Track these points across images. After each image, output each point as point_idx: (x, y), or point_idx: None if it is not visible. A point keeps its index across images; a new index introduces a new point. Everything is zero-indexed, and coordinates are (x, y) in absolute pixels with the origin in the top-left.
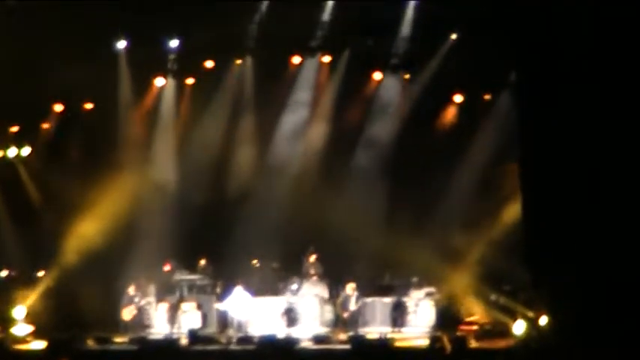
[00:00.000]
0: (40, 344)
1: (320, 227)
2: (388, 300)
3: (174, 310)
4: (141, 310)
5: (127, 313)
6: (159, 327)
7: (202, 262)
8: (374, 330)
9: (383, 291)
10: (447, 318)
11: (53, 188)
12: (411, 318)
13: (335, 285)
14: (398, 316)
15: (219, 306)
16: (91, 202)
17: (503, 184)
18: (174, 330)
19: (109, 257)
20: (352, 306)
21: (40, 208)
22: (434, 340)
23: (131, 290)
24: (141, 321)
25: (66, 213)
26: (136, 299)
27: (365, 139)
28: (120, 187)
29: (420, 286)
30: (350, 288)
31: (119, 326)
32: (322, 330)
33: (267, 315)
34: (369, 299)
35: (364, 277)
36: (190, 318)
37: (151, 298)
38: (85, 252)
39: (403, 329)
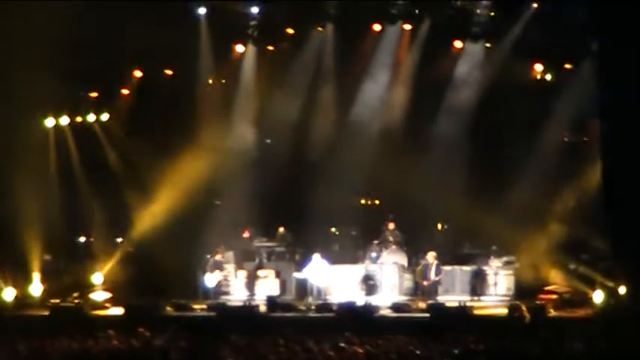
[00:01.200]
0: (117, 310)
1: (400, 195)
2: (468, 268)
3: (252, 277)
4: (223, 277)
5: (212, 279)
6: (237, 294)
7: (281, 229)
8: (453, 298)
9: (462, 259)
10: (526, 287)
11: (132, 154)
12: (490, 286)
13: (414, 253)
14: (477, 284)
15: (297, 274)
16: (170, 170)
17: (582, 152)
18: (253, 297)
19: (188, 224)
20: (432, 275)
21: (118, 174)
22: (513, 308)
23: (218, 256)
24: (222, 287)
25: (145, 180)
26: (223, 265)
27: (446, 106)
28: (199, 155)
29: (499, 254)
30: (431, 256)
31: (198, 293)
32: (401, 298)
33: (346, 283)
34: (448, 267)
35: (444, 245)
36: (269, 285)
37: (230, 265)
38: (164, 219)
39: (482, 298)
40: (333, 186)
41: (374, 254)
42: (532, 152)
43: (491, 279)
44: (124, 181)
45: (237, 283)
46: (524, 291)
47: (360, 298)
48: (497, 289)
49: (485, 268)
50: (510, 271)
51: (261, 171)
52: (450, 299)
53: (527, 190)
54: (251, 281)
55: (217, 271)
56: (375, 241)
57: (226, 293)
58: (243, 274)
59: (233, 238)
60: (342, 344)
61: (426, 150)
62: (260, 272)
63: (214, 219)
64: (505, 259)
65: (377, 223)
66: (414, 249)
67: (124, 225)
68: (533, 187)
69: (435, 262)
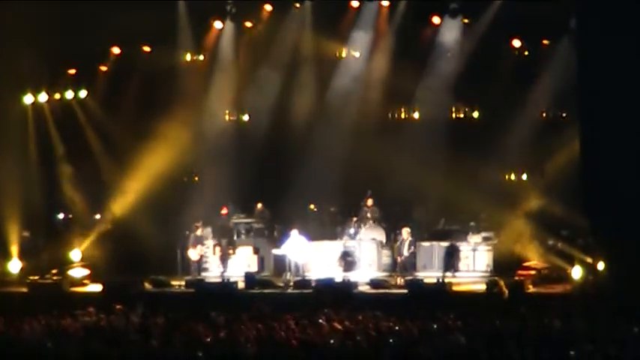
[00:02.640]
0: (96, 287)
1: (378, 172)
2: (445, 244)
3: (230, 253)
4: (204, 253)
5: (194, 254)
6: (216, 270)
7: (259, 206)
8: (432, 275)
9: (441, 236)
10: (505, 263)
11: (111, 131)
12: (466, 262)
13: (393, 230)
14: (451, 260)
15: (276, 251)
16: (149, 147)
17: (561, 128)
18: (230, 273)
19: (166, 201)
20: (405, 250)
21: (97, 151)
22: (491, 285)
23: (199, 231)
24: (203, 263)
25: (123, 157)
26: (205, 241)
27: (424, 83)
28: (178, 132)
29: (477, 231)
30: (405, 232)
31: (177, 269)
32: (380, 274)
33: (325, 259)
34: (426, 244)
35: (422, 222)
36: (247, 262)
37: (210, 241)
38: (142, 196)
39: (457, 274)
40: (312, 163)
41: (352, 230)
42: (510, 128)
43: (467, 255)
44: (102, 157)
45: (216, 259)
46: (503, 267)
47: (338, 275)
48: (476, 266)
49: (461, 244)
50: (489, 248)
51: (240, 148)
52: (429, 275)
53: (505, 166)
54: (229, 258)
55: (199, 247)
56: (354, 218)
57: (206, 269)
58: (220, 250)
59: (211, 215)
60: (321, 321)
61: (405, 127)
62: (238, 249)
63: (193, 196)
64: (483, 235)
65: (355, 200)
66: (392, 225)
67: (102, 202)
68: (512, 163)
69: (409, 238)
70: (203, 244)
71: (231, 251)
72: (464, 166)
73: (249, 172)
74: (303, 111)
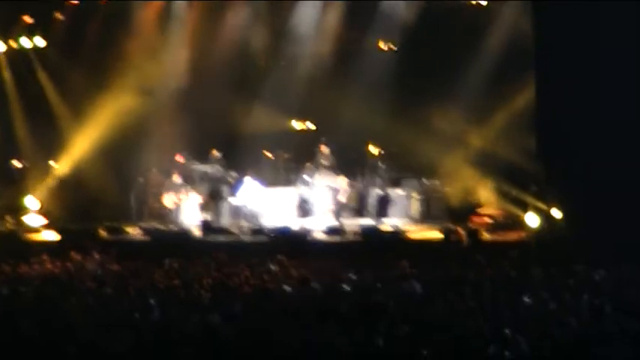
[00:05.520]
0: (51, 235)
1: (332, 118)
2: (400, 192)
3: (183, 201)
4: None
5: (169, 201)
6: (174, 218)
7: (215, 152)
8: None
9: (393, 183)
10: (457, 210)
11: (67, 81)
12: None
13: (347, 176)
14: (382, 207)
15: (231, 197)
16: (105, 94)
17: (514, 74)
18: (185, 221)
19: (122, 149)
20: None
21: (53, 98)
22: (449, 232)
23: (175, 178)
24: (172, 211)
25: (80, 104)
26: (181, 188)
27: (376, 27)
28: (134, 79)
29: (428, 177)
30: (341, 180)
31: (131, 216)
32: (334, 222)
33: (280, 206)
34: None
35: (376, 168)
36: (202, 209)
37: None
38: (98, 143)
39: (385, 219)
40: (266, 109)
41: (307, 177)
42: (464, 75)
43: (421, 203)
44: (58, 105)
45: (192, 206)
46: (455, 215)
47: (293, 222)
48: (429, 213)
49: (399, 191)
50: (439, 195)
51: (195, 95)
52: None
53: (458, 111)
54: (181, 205)
55: (173, 194)
56: (309, 164)
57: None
58: (171, 198)
59: (166, 162)
60: (276, 267)
61: (357, 73)
62: (193, 195)
63: (147, 143)
64: (435, 182)
65: (310, 147)
66: (347, 172)
67: (58, 149)
68: (465, 108)
69: (345, 186)
70: (179, 192)
71: (191, 198)
72: (416, 112)
73: (204, 118)
74: (258, 57)
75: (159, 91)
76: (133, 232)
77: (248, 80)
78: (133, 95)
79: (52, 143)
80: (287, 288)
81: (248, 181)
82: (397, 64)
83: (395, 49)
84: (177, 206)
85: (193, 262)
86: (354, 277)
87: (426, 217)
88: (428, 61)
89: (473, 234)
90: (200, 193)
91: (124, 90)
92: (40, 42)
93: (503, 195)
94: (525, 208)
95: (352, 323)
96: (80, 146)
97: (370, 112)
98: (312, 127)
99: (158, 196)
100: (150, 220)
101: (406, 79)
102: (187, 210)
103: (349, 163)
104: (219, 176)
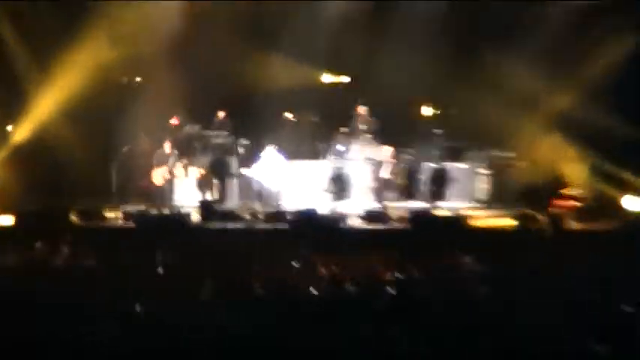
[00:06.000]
0: (7, 220)
1: (371, 69)
2: (461, 166)
3: (176, 176)
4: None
5: (159, 177)
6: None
7: (221, 114)
8: (447, 205)
9: (453, 155)
10: (537, 191)
11: (30, 27)
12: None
13: (392, 146)
14: (437, 186)
15: (244, 170)
16: (78, 42)
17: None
18: (182, 202)
19: (99, 110)
20: (383, 173)
21: (12, 50)
22: (525, 218)
23: (167, 147)
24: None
25: (45, 57)
26: (171, 160)
27: None
28: (117, 20)
29: (496, 148)
30: (386, 151)
31: (111, 196)
32: (376, 205)
33: (305, 184)
34: (434, 165)
35: (429, 137)
36: (204, 186)
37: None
38: (68, 103)
39: (441, 203)
40: (287, 59)
41: (341, 147)
42: (541, 22)
43: (489, 181)
44: (19, 56)
45: (188, 183)
46: (533, 196)
47: (322, 204)
48: (500, 194)
49: (459, 165)
50: (512, 171)
51: (194, 42)
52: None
53: (536, 63)
54: (175, 182)
55: (165, 167)
56: (342, 130)
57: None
58: (162, 171)
59: (157, 127)
60: (299, 264)
61: (404, 12)
62: (191, 170)
63: (133, 103)
64: (507, 154)
65: (344, 107)
66: (392, 140)
67: (16, 110)
68: (541, 66)
69: (392, 159)
70: (173, 165)
71: (191, 173)
72: (477, 69)
73: (207, 69)
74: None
75: (146, 38)
76: (114, 216)
77: (262, 22)
78: (116, 39)
79: (9, 101)
80: (313, 291)
81: (263, 151)
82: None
83: None
84: (171, 183)
85: (191, 256)
86: (400, 277)
87: (496, 199)
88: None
89: (556, 221)
90: (201, 167)
91: (101, 38)
92: None
93: (594, 172)
94: (623, 188)
95: (395, 333)
96: (46, 106)
97: (422, 63)
98: (346, 80)
99: (146, 171)
100: (136, 202)
101: (468, 20)
102: (184, 188)
103: (395, 129)
104: (225, 144)
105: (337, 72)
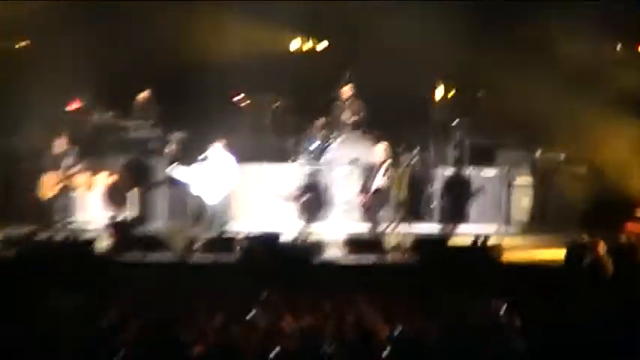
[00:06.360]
0: None
1: (361, 33)
2: (490, 174)
3: (76, 184)
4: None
5: (51, 185)
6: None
7: (143, 95)
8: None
9: (481, 155)
10: (598, 210)
11: None
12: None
13: (391, 143)
14: (456, 200)
15: (173, 171)
16: None
17: None
18: (85, 220)
19: None
20: (375, 181)
21: None
22: (578, 248)
23: (58, 145)
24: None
25: None
26: (68, 161)
27: None
28: None
29: (542, 149)
30: (379, 150)
31: (14, 212)
32: (366, 226)
33: (266, 197)
34: (449, 171)
35: (441, 130)
36: (113, 200)
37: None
38: None
39: (460, 226)
40: (242, 19)
41: (316, 144)
42: None
43: (531, 195)
44: None
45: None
46: (593, 217)
47: (289, 227)
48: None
49: (487, 171)
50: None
51: None
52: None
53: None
54: (75, 192)
55: (58, 173)
56: (320, 120)
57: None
58: (59, 178)
59: (50, 113)
60: (253, 314)
61: None
62: (99, 175)
63: (15, 77)
64: (556, 155)
65: (323, 88)
66: (390, 135)
67: None
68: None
69: (386, 159)
70: (72, 168)
71: (100, 180)
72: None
73: (124, 33)
74: None
75: None
76: None
77: None
78: None
79: None
80: (278, 349)
81: (216, 149)
82: None
83: None
84: (68, 195)
85: (94, 301)
86: (403, 332)
87: (540, 220)
88: None
89: (626, 253)
90: (112, 171)
91: None
92: None
93: None
94: None
95: None
96: None
97: (433, 27)
98: (325, 47)
99: (33, 177)
100: (17, 222)
101: None
102: (87, 202)
103: (395, 119)
104: (148, 139)
105: (313, 35)
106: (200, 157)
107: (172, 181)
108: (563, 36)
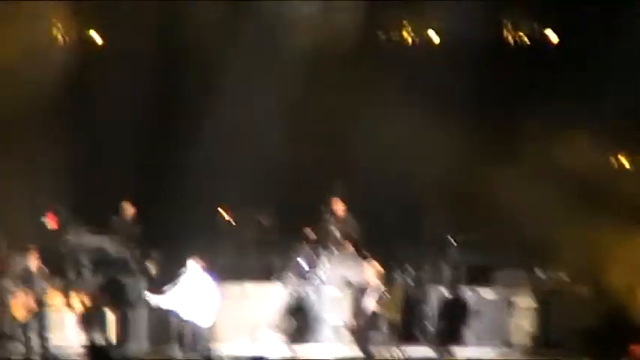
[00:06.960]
0: None
1: (354, 149)
2: (490, 296)
3: (48, 306)
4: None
5: (20, 307)
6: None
7: (127, 210)
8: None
9: (480, 275)
10: (605, 331)
11: None
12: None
13: (383, 261)
14: (452, 323)
15: (151, 298)
16: None
17: None
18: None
19: None
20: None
21: None
22: None
23: (31, 261)
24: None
25: None
26: (39, 281)
27: None
28: None
29: (545, 266)
30: (370, 269)
31: None
32: (357, 352)
33: (249, 319)
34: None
35: (435, 248)
36: (93, 322)
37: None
38: None
39: (456, 349)
40: (227, 128)
41: (305, 262)
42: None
43: (534, 317)
44: None
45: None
46: (600, 340)
47: (273, 351)
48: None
49: (485, 292)
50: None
51: (86, 92)
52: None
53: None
54: (47, 315)
55: (31, 293)
56: (309, 236)
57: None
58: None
59: (25, 229)
60: None
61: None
62: (73, 298)
63: None
64: (558, 274)
65: (312, 201)
66: (382, 253)
67: None
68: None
69: (377, 280)
70: (44, 289)
71: (75, 304)
72: (506, 156)
73: (104, 140)
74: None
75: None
76: None
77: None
78: None
79: None
80: None
81: (191, 266)
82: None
83: None
84: (41, 317)
85: None
86: None
87: (542, 343)
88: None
89: None
90: (88, 292)
91: None
92: None
93: None
94: None
95: None
96: None
97: (427, 133)
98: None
99: (5, 299)
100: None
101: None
102: (61, 324)
103: (387, 234)
104: (125, 258)
105: (299, 142)
106: (177, 279)
107: (151, 302)
108: (564, 150)
